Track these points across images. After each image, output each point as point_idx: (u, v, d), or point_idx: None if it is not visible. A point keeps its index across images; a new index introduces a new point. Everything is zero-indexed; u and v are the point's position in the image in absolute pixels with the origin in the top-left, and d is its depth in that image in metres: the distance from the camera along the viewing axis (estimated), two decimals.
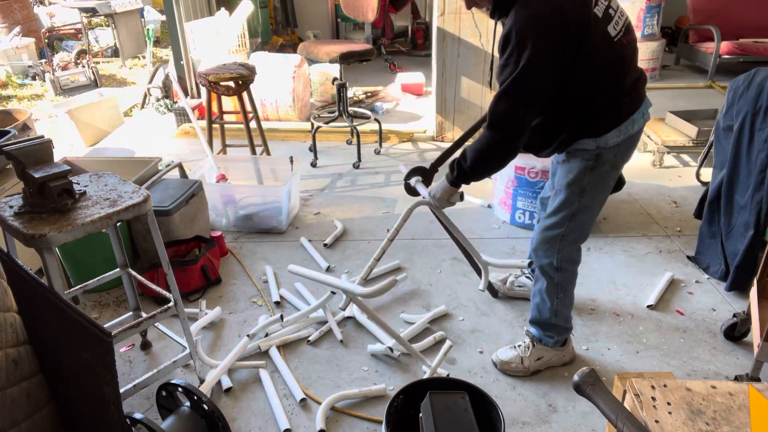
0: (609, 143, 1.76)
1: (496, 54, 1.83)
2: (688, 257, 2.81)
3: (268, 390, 2.04)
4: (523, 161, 2.92)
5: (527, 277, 2.52)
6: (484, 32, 3.98)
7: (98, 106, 4.80)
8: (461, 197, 1.99)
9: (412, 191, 2.17)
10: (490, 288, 2.50)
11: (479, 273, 2.40)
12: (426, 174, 2.17)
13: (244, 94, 3.38)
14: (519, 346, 2.13)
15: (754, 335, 1.99)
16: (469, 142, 1.92)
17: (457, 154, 1.92)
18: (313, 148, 4.06)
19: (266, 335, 2.31)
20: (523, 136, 1.71)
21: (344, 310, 2.08)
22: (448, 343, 2.18)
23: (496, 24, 1.84)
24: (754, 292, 2.09)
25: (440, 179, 1.97)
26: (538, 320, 2.09)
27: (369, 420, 1.94)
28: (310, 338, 2.30)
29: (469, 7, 1.85)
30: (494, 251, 2.92)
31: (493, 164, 1.82)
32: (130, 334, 1.82)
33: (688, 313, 2.44)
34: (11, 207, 1.67)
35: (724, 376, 2.10)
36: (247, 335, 2.22)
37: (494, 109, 1.70)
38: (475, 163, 1.79)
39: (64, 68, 6.65)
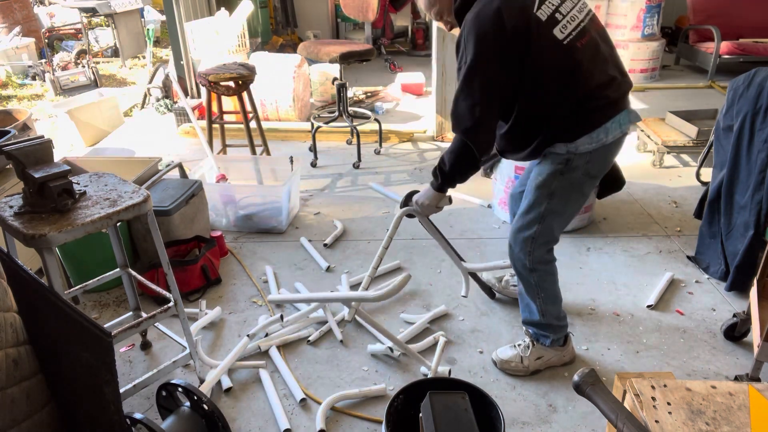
0: (579, 149, 1.77)
1: None
2: (688, 257, 2.81)
3: (268, 390, 2.04)
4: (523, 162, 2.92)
5: None
6: None
7: (98, 106, 4.80)
8: (449, 200, 2.05)
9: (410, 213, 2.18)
10: (487, 289, 2.50)
11: (489, 294, 2.46)
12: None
13: (244, 94, 3.38)
14: (519, 345, 2.13)
15: (754, 335, 1.99)
16: None
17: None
18: (313, 148, 4.06)
19: (266, 335, 2.31)
20: (484, 132, 1.79)
21: (351, 321, 2.10)
22: (442, 339, 2.19)
23: None
24: (754, 292, 2.09)
25: (424, 187, 2.04)
26: (530, 321, 2.10)
27: (369, 420, 1.94)
28: (310, 338, 2.30)
29: (449, 30, 1.98)
30: (494, 251, 2.92)
31: (466, 164, 1.87)
32: (130, 334, 1.82)
33: (688, 313, 2.44)
34: (11, 207, 1.67)
35: (724, 376, 2.10)
36: (247, 335, 2.22)
37: (453, 109, 1.80)
38: (451, 165, 1.88)
39: (64, 68, 6.65)
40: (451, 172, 1.89)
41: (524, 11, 1.67)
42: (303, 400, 2.00)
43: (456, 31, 1.89)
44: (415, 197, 2.09)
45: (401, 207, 2.18)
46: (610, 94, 1.76)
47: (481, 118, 1.74)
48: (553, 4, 1.70)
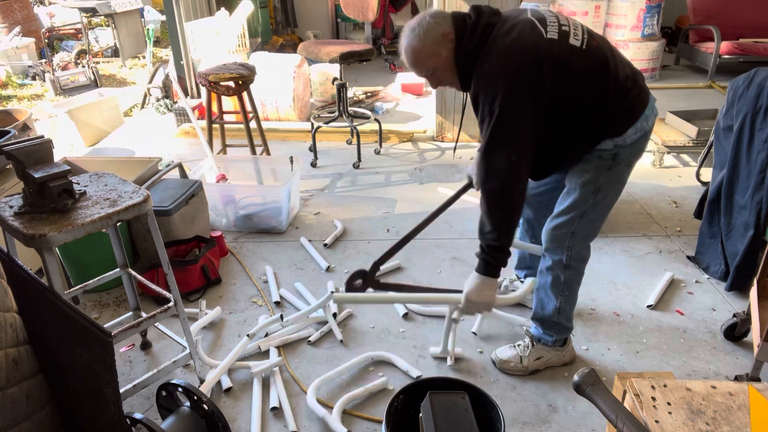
0: (627, 141, 1.76)
1: None
2: (688, 257, 2.81)
3: (271, 391, 2.04)
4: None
5: (522, 282, 2.51)
6: None
7: (98, 106, 4.80)
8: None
9: (355, 290, 2.11)
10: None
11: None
12: (367, 276, 2.12)
13: (244, 94, 3.38)
14: (518, 345, 2.13)
15: (754, 335, 1.99)
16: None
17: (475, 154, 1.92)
18: (313, 148, 4.06)
19: (266, 335, 2.31)
20: (521, 181, 1.70)
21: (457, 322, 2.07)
22: (456, 313, 2.06)
23: (465, 96, 1.85)
24: (754, 292, 2.09)
25: (470, 279, 1.83)
26: (540, 317, 2.08)
27: (369, 420, 1.94)
28: (310, 338, 2.30)
29: (435, 87, 1.89)
30: None
31: (509, 219, 1.74)
32: (130, 334, 1.82)
33: (688, 313, 2.44)
34: (11, 207, 1.67)
35: (724, 376, 2.10)
36: (247, 335, 2.22)
37: (485, 163, 1.70)
38: (496, 229, 1.72)
39: (64, 68, 6.65)
40: (499, 237, 1.72)
41: (539, 41, 1.63)
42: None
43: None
44: (463, 294, 1.85)
45: (346, 285, 2.09)
46: (639, 82, 1.78)
47: (518, 166, 1.67)
48: (554, 23, 1.68)
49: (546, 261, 2.00)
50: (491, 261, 1.78)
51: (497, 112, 1.62)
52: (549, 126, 1.71)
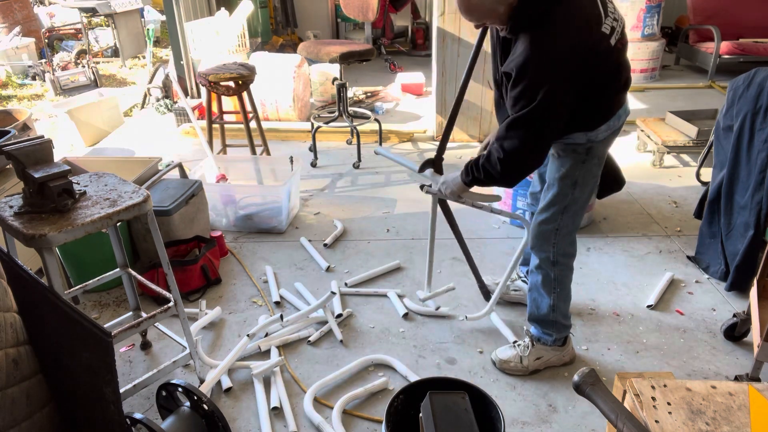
0: (599, 137, 1.81)
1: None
2: (688, 257, 2.81)
3: (262, 394, 2.04)
4: None
5: (523, 281, 2.51)
6: None
7: (98, 106, 4.80)
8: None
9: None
10: (485, 291, 2.48)
11: (486, 296, 2.44)
12: (436, 163, 2.29)
13: (244, 94, 3.38)
14: (518, 345, 2.13)
15: (754, 335, 1.99)
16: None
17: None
18: (313, 148, 4.06)
19: (266, 335, 2.31)
20: (527, 168, 1.79)
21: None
22: (451, 284, 2.29)
23: (499, 37, 1.81)
24: (754, 292, 2.09)
25: (455, 172, 2.01)
26: (536, 316, 2.09)
27: (369, 420, 1.94)
28: (310, 338, 2.30)
29: (478, 27, 1.83)
30: (494, 251, 2.92)
31: (502, 180, 1.84)
32: (130, 334, 1.82)
33: (688, 313, 2.44)
34: (11, 207, 1.67)
35: (724, 376, 2.10)
36: (247, 335, 2.22)
37: (510, 131, 1.70)
38: (486, 175, 1.83)
39: (64, 68, 6.65)
40: (485, 181, 1.85)
41: (595, 33, 1.62)
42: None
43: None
44: (442, 177, 2.10)
45: (419, 171, 2.28)
46: (628, 86, 1.84)
47: (530, 158, 1.74)
48: (611, 11, 1.67)
49: (534, 260, 2.04)
50: (471, 182, 1.92)
51: (542, 96, 1.60)
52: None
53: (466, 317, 2.36)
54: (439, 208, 2.30)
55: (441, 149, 2.30)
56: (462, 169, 1.94)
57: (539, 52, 1.59)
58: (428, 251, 2.32)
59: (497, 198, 2.24)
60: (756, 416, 1.12)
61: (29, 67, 6.87)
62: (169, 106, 5.22)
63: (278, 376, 2.10)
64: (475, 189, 1.99)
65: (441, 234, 3.07)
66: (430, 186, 2.19)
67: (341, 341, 2.29)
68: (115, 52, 7.61)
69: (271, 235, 3.13)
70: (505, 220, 3.21)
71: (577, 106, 1.73)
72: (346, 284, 2.63)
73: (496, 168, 1.76)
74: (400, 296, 2.56)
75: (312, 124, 4.11)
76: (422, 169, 2.27)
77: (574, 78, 1.63)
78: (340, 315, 2.41)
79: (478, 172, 1.85)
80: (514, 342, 2.18)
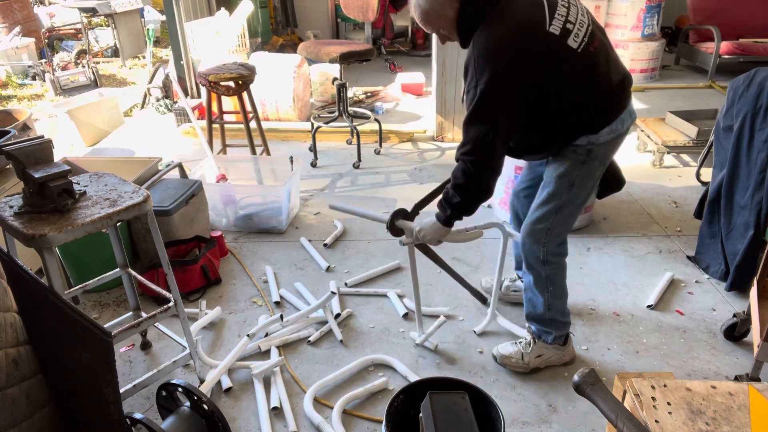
0: (600, 140, 1.81)
1: None
2: (688, 257, 2.81)
3: (261, 394, 2.04)
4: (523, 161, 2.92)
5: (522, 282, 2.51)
6: None
7: (98, 106, 4.80)
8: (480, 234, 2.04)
9: (397, 232, 2.12)
10: (479, 295, 2.45)
11: (483, 301, 2.41)
12: (408, 216, 2.14)
13: (244, 94, 3.38)
14: (520, 342, 2.14)
15: (754, 335, 1.99)
16: None
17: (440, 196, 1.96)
18: (313, 148, 4.06)
19: (266, 335, 2.31)
20: (497, 157, 1.76)
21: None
22: (441, 318, 2.23)
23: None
24: (754, 292, 2.09)
25: (427, 218, 1.97)
26: (533, 315, 2.10)
27: (369, 420, 1.94)
28: (310, 338, 2.30)
29: (443, 42, 1.92)
30: (493, 251, 2.92)
31: (479, 193, 1.83)
32: (130, 334, 1.82)
33: (688, 313, 2.44)
34: (11, 207, 1.67)
35: (724, 376, 2.10)
36: (247, 335, 2.22)
37: (464, 135, 1.76)
38: (463, 196, 1.82)
39: (64, 68, 6.65)
40: (464, 202, 1.83)
41: (539, 31, 1.66)
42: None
43: (450, 44, 1.90)
44: (416, 229, 2.00)
45: (388, 229, 2.11)
46: (626, 88, 1.85)
47: (494, 144, 1.72)
48: (562, 15, 1.70)
49: (524, 259, 2.03)
50: (451, 216, 1.89)
51: (483, 88, 1.66)
52: (528, 117, 1.76)
53: (475, 331, 2.34)
54: (418, 251, 2.20)
55: (418, 206, 2.16)
56: (436, 211, 1.92)
57: (479, 44, 1.69)
58: (414, 295, 2.24)
59: (479, 234, 2.17)
60: (756, 416, 1.12)
61: (29, 67, 6.87)
62: (169, 106, 5.22)
63: (278, 376, 2.11)
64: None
65: None
66: (405, 236, 2.09)
67: (341, 341, 2.29)
68: (115, 52, 7.61)
69: (271, 235, 3.13)
70: (505, 220, 3.20)
71: (568, 118, 1.77)
72: (346, 284, 2.63)
73: (466, 177, 1.76)
74: (400, 296, 2.56)
75: (312, 124, 4.11)
76: (392, 222, 2.11)
77: (519, 74, 1.66)
78: (338, 315, 2.40)
79: (452, 197, 1.83)
80: (518, 339, 2.18)
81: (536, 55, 1.66)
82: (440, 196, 1.93)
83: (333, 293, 2.40)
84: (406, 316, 2.44)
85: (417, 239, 2.02)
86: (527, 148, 1.92)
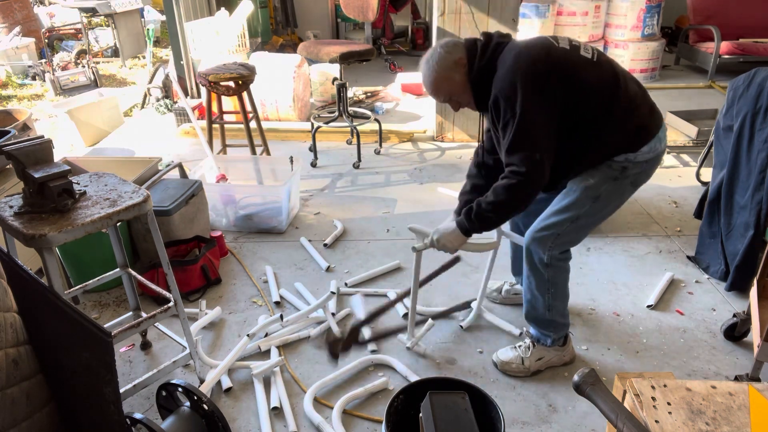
0: (639, 159, 1.79)
1: None
2: (688, 257, 2.81)
3: (261, 394, 2.04)
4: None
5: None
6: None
7: (98, 106, 4.80)
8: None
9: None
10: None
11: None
12: (343, 344, 1.97)
13: (244, 94, 3.38)
14: (519, 346, 2.13)
15: (754, 335, 1.99)
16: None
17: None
18: (313, 148, 4.06)
19: (266, 335, 2.31)
20: (546, 175, 1.76)
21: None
22: (430, 322, 2.24)
23: (481, 116, 1.93)
24: (754, 292, 2.09)
25: (445, 224, 1.95)
26: (533, 316, 2.09)
27: (369, 419, 1.94)
28: (311, 334, 2.30)
29: (456, 110, 1.96)
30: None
31: (516, 209, 1.85)
32: (130, 334, 1.82)
33: (688, 313, 2.44)
34: (11, 207, 1.67)
35: (724, 376, 2.10)
36: (247, 335, 2.22)
37: (510, 158, 1.74)
38: (499, 211, 1.80)
39: (64, 68, 6.65)
40: (496, 218, 1.83)
41: (551, 48, 1.74)
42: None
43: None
44: (434, 236, 1.97)
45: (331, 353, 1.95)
46: (648, 100, 1.84)
47: (543, 163, 1.72)
48: (565, 39, 1.78)
49: (527, 260, 2.01)
50: (476, 229, 1.88)
51: (520, 111, 1.68)
52: (559, 137, 1.75)
53: (462, 326, 2.34)
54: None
55: (357, 326, 2.03)
56: (459, 218, 1.90)
57: (499, 77, 1.73)
58: (411, 300, 2.21)
59: (496, 245, 2.20)
60: (756, 416, 1.12)
61: (29, 67, 6.87)
62: (169, 106, 5.22)
63: (278, 376, 2.10)
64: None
65: None
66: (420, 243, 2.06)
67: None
68: (115, 52, 7.61)
69: (271, 235, 3.13)
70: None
71: (603, 127, 1.76)
72: (346, 284, 2.63)
73: (506, 194, 1.75)
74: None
75: (312, 124, 4.11)
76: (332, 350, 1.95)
77: (548, 89, 1.69)
78: (334, 314, 2.40)
79: (485, 210, 1.81)
80: (517, 343, 2.18)
81: (557, 67, 1.70)
82: (462, 207, 1.94)
83: (333, 293, 2.40)
84: (405, 316, 2.44)
85: (431, 245, 2.00)
86: (561, 174, 1.86)
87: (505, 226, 2.31)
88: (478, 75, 1.80)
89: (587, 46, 1.80)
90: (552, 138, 1.74)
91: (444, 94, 1.89)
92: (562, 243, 1.92)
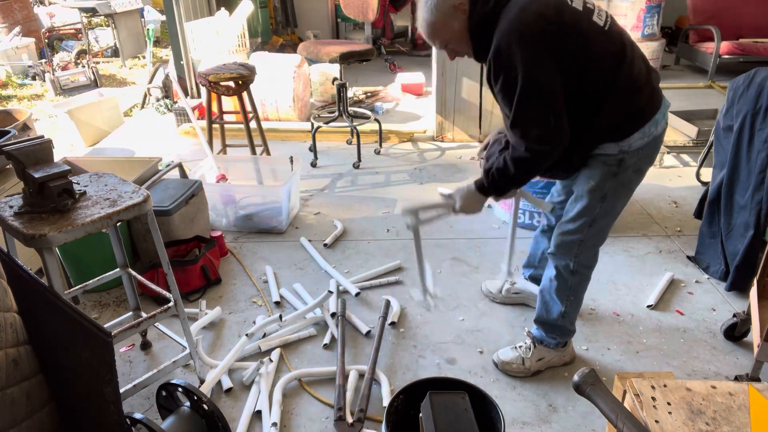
0: (633, 146, 1.71)
1: None
2: (688, 257, 2.81)
3: (262, 390, 2.04)
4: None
5: (528, 279, 2.49)
6: None
7: (98, 106, 4.80)
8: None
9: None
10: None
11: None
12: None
13: (244, 94, 3.38)
14: (520, 347, 2.13)
15: (754, 335, 1.99)
16: None
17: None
18: (313, 148, 4.06)
19: (263, 335, 2.30)
20: (562, 134, 1.64)
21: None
22: (438, 211, 2.05)
23: (482, 67, 1.82)
24: (754, 292, 2.09)
25: (465, 188, 1.85)
26: (544, 320, 2.07)
27: (369, 419, 1.93)
28: (326, 342, 2.29)
29: (452, 58, 1.84)
30: (493, 251, 2.92)
31: (537, 171, 1.75)
32: (130, 334, 1.82)
33: (688, 313, 2.44)
34: (11, 207, 1.67)
35: (724, 376, 2.10)
36: (245, 334, 2.21)
37: (522, 126, 1.64)
38: (522, 169, 1.70)
39: (64, 68, 6.65)
40: (521, 182, 1.75)
41: (561, 7, 1.59)
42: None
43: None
44: (453, 193, 1.87)
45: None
46: (653, 83, 1.73)
47: (558, 124, 1.62)
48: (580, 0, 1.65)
49: (551, 265, 1.99)
50: (494, 188, 1.78)
51: (523, 76, 1.56)
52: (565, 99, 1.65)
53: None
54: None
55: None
56: (478, 179, 1.81)
57: (502, 30, 1.59)
58: (418, 264, 2.12)
59: (549, 207, 2.14)
60: (756, 416, 1.12)
61: (29, 67, 6.87)
62: (169, 106, 5.22)
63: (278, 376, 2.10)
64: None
65: (440, 234, 3.08)
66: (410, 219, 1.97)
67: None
68: (115, 52, 7.61)
69: (271, 235, 3.13)
70: (505, 220, 3.20)
71: (598, 105, 1.65)
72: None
73: (526, 155, 1.65)
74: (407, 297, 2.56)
75: (312, 124, 4.11)
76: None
77: (552, 50, 1.56)
78: (334, 314, 2.40)
79: (505, 168, 1.71)
80: (517, 343, 2.18)
81: (563, 28, 1.56)
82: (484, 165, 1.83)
83: (330, 292, 2.40)
84: (403, 312, 2.44)
85: (450, 206, 1.88)
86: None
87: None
88: (479, 24, 1.65)
89: (602, 11, 1.66)
90: (560, 98, 1.61)
91: (440, 41, 1.75)
92: (587, 247, 1.90)
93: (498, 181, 1.77)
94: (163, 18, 5.91)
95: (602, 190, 1.79)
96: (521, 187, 1.84)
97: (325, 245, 3.00)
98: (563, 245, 1.92)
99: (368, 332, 2.31)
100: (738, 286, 2.51)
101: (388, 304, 2.43)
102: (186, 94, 5.17)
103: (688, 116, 3.89)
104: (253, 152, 3.53)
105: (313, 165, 4.02)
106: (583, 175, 1.83)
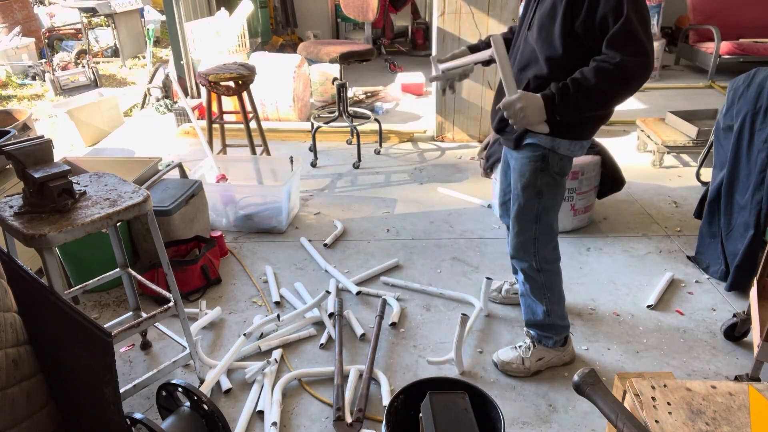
0: (558, 150, 1.78)
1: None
2: (688, 257, 2.81)
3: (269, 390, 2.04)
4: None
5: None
6: (484, 32, 3.98)
7: (98, 106, 4.80)
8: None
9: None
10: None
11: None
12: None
13: (244, 94, 3.38)
14: (520, 346, 2.13)
15: (754, 335, 1.99)
16: None
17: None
18: (313, 148, 4.06)
19: (261, 336, 2.30)
20: (651, 63, 1.56)
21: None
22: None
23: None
24: (754, 292, 2.09)
25: (534, 96, 1.62)
26: (533, 322, 2.09)
27: (369, 419, 1.93)
28: (322, 342, 2.30)
29: None
30: (494, 251, 2.92)
31: (625, 96, 1.62)
32: (130, 334, 1.82)
33: (688, 313, 2.44)
34: (11, 207, 1.67)
35: (724, 376, 2.10)
36: (243, 334, 2.21)
37: (632, 35, 1.53)
38: (601, 84, 1.56)
39: (64, 68, 6.65)
40: (595, 90, 1.57)
41: None
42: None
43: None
44: (516, 96, 1.61)
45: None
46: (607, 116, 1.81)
47: (650, 44, 1.56)
48: None
49: (518, 269, 2.03)
50: (563, 100, 1.60)
51: (628, 5, 1.51)
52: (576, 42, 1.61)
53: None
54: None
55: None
56: (546, 92, 1.62)
57: None
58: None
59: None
60: (756, 416, 1.12)
61: (29, 67, 6.87)
62: (169, 106, 5.22)
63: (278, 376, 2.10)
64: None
65: (441, 233, 3.08)
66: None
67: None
68: (115, 52, 7.62)
69: (271, 235, 3.13)
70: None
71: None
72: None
73: (619, 70, 1.54)
74: (399, 299, 2.56)
75: (312, 124, 4.11)
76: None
77: None
78: (332, 314, 2.40)
79: (587, 81, 1.56)
80: (517, 343, 2.18)
81: None
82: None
83: (328, 292, 2.40)
84: (403, 312, 2.44)
85: (509, 106, 1.63)
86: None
87: None
88: None
89: None
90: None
91: None
92: (543, 242, 1.94)
93: (570, 94, 1.58)
94: (163, 18, 5.91)
95: (535, 186, 1.85)
96: (591, 112, 1.67)
97: (325, 245, 3.00)
98: (519, 247, 1.97)
99: (362, 335, 2.30)
100: (738, 286, 2.51)
101: (384, 302, 2.44)
102: (186, 94, 5.17)
103: (688, 116, 3.89)
104: (253, 152, 3.53)
105: (313, 165, 4.02)
106: (513, 175, 1.90)
